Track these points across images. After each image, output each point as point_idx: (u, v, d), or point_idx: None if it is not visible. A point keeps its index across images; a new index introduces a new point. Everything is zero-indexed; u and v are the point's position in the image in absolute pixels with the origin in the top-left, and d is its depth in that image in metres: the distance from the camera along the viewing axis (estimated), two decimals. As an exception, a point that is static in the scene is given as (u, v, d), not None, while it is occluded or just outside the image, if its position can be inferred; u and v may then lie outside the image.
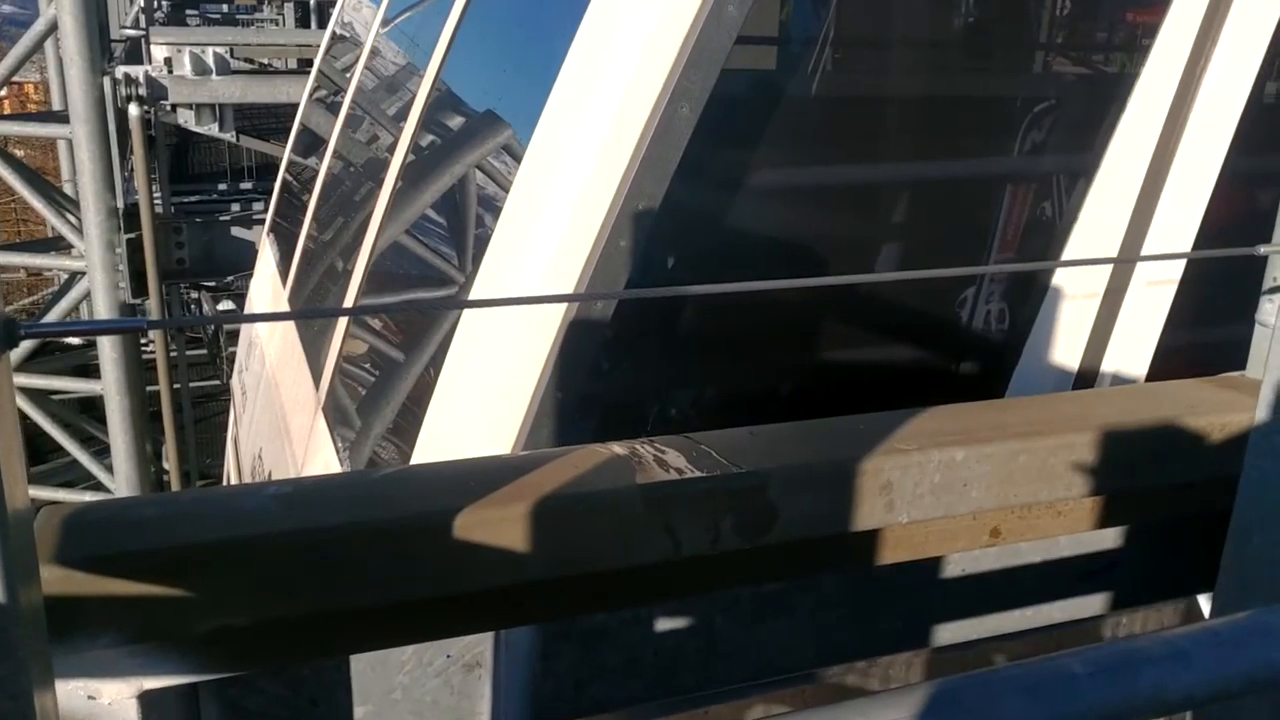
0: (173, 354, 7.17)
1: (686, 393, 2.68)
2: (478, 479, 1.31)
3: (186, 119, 6.20)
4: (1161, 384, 1.67)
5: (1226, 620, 1.09)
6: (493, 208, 2.73)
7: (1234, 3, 2.73)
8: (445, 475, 1.35)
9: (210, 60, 6.01)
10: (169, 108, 6.17)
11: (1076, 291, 2.96)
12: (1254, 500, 1.37)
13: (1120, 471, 1.50)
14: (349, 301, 3.57)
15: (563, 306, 2.35)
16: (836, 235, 3.06)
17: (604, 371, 2.44)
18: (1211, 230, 2.89)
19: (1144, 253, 2.85)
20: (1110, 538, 1.72)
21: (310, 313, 3.84)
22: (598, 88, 2.45)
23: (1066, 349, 2.89)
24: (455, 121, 3.38)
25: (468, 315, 2.57)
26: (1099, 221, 2.86)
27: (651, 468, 1.29)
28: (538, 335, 2.34)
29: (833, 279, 1.17)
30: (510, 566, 1.22)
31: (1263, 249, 1.27)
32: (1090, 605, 1.79)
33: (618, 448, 1.35)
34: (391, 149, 3.68)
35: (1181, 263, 2.81)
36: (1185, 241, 2.83)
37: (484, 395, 2.45)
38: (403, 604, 1.21)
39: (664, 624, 1.44)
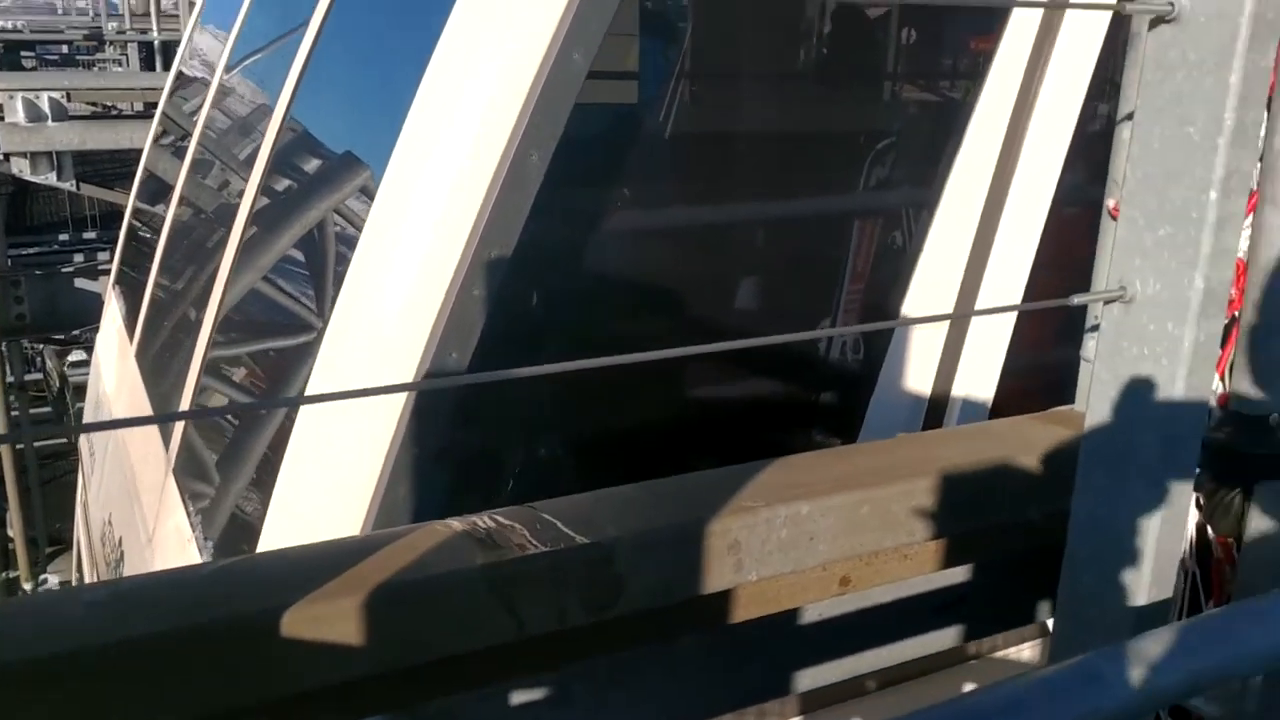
0: (15, 412, 6.76)
1: (539, 448, 2.65)
2: (312, 568, 1.25)
3: (21, 168, 5.88)
4: (997, 422, 1.72)
5: (1058, 667, 1.12)
6: (343, 257, 2.66)
7: (1058, 42, 2.86)
8: (277, 567, 1.29)
9: (45, 106, 5.71)
10: (2, 157, 5.83)
11: (928, 315, 3.05)
12: (1083, 537, 1.41)
13: (960, 513, 1.54)
14: (199, 354, 3.43)
15: (414, 367, 2.30)
16: (694, 273, 3.08)
17: (459, 432, 2.39)
18: (1050, 252, 3.02)
19: (985, 278, 2.95)
20: (960, 573, 1.75)
21: (148, 420, 3.68)
22: (445, 138, 2.42)
23: (918, 376, 2.98)
24: (302, 169, 3.29)
25: (319, 377, 2.49)
26: (943, 250, 2.96)
27: (492, 545, 1.26)
28: (388, 398, 2.28)
29: (683, 350, 1.16)
30: (345, 662, 1.17)
31: (1075, 300, 1.32)
32: (945, 638, 1.82)
33: (457, 523, 1.32)
34: (240, 194, 3.56)
35: (1020, 291, 2.92)
36: (1024, 266, 2.95)
37: (335, 456, 2.37)
38: (232, 710, 1.14)
39: (517, 697, 1.40)
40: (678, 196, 3.04)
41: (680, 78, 3.29)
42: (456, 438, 2.38)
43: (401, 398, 2.29)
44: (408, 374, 2.39)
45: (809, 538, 1.39)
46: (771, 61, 3.45)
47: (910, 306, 3.03)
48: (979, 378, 2.98)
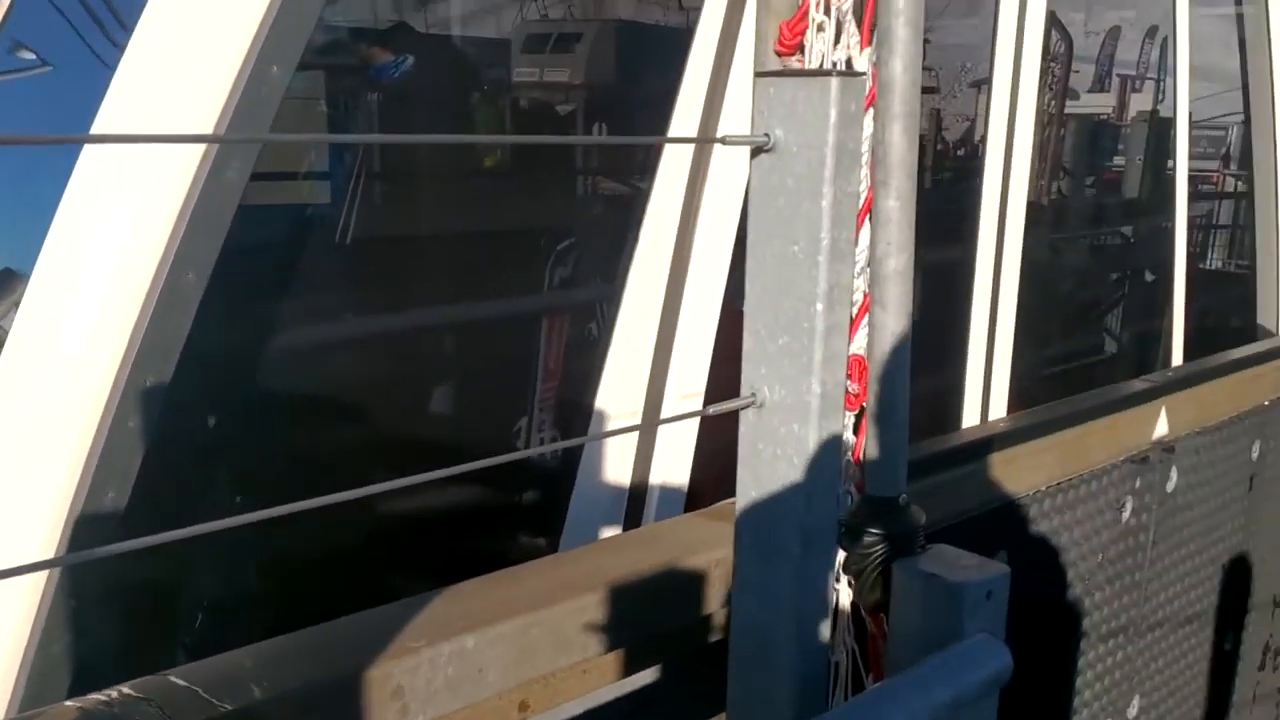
0: None
1: (217, 590, 2.48)
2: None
3: None
4: (665, 524, 1.78)
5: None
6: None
7: (714, 155, 3.03)
8: None
9: None
10: None
11: (619, 411, 3.12)
12: (743, 629, 1.47)
13: (634, 619, 1.56)
14: None
15: (64, 510, 2.09)
16: (383, 380, 3.02)
17: (120, 585, 2.18)
18: (731, 347, 3.18)
19: (670, 371, 3.07)
20: (648, 674, 1.77)
21: None
22: (88, 261, 2.24)
23: (616, 470, 3.03)
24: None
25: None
26: (629, 346, 3.05)
27: (120, 728, 1.14)
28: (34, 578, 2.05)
29: (368, 489, 1.10)
30: None
31: (711, 410, 1.39)
32: (641, 740, 1.83)
33: (79, 704, 1.18)
34: None
35: (703, 382, 3.05)
36: (703, 359, 3.09)
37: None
38: None
39: None
40: (359, 303, 2.98)
41: (361, 178, 3.25)
42: (119, 592, 2.17)
43: (40, 582, 2.07)
44: (58, 519, 2.18)
45: (478, 670, 1.36)
46: (454, 161, 3.47)
47: (603, 401, 3.10)
48: (673, 467, 3.08)
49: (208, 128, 2.30)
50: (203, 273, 2.29)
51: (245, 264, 2.54)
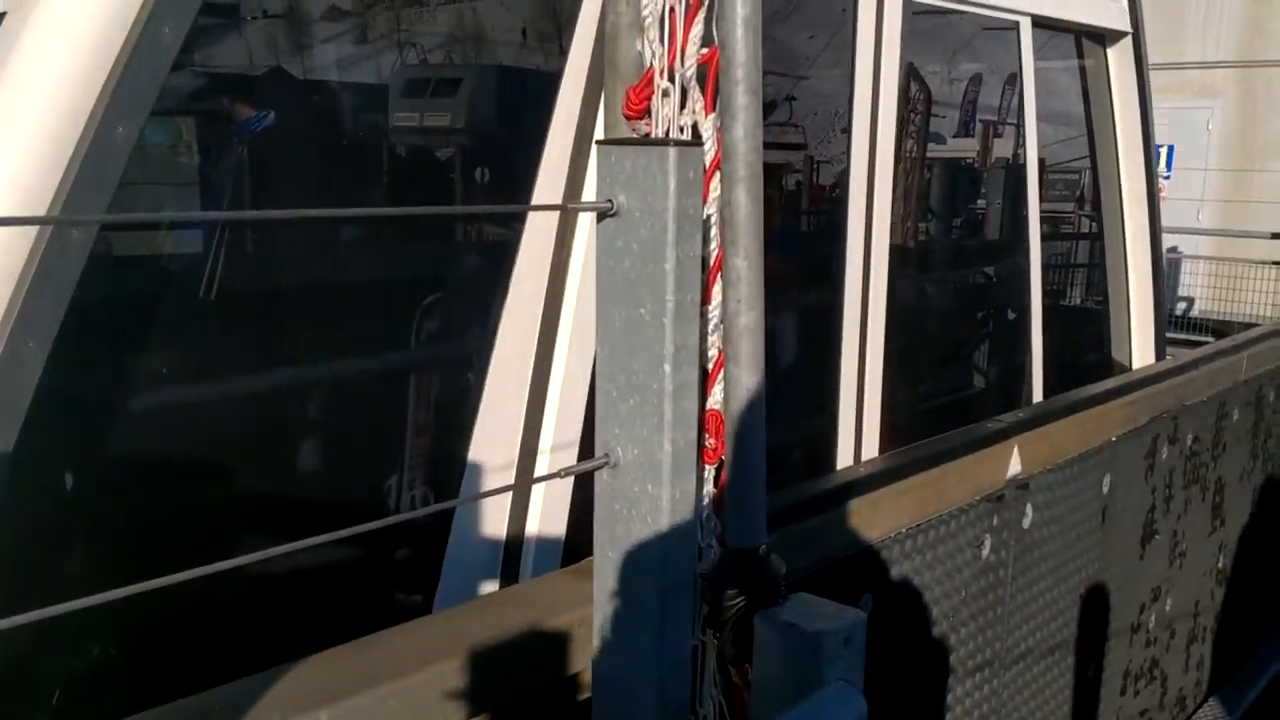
0: None
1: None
2: None
3: None
4: (530, 583, 1.77)
5: None
6: None
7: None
8: None
9: None
10: None
11: (493, 464, 3.10)
12: (607, 692, 1.46)
13: (496, 685, 1.54)
14: None
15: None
16: (248, 442, 2.93)
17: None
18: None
19: (544, 423, 3.07)
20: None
21: None
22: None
23: (491, 523, 3.00)
24: None
25: None
26: (501, 399, 3.03)
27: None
28: None
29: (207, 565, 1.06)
30: None
31: (564, 472, 1.39)
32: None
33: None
34: None
35: (578, 434, 3.05)
36: (578, 411, 3.09)
37: None
38: None
39: None
40: (221, 362, 2.89)
41: (224, 231, 3.17)
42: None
43: None
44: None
45: (331, 747, 1.32)
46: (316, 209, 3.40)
47: (479, 457, 3.07)
48: (549, 521, 3.06)
49: (51, 187, 2.23)
50: (44, 339, 2.20)
51: (93, 322, 2.44)
